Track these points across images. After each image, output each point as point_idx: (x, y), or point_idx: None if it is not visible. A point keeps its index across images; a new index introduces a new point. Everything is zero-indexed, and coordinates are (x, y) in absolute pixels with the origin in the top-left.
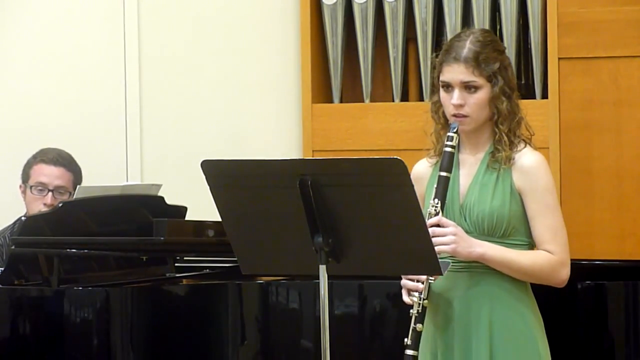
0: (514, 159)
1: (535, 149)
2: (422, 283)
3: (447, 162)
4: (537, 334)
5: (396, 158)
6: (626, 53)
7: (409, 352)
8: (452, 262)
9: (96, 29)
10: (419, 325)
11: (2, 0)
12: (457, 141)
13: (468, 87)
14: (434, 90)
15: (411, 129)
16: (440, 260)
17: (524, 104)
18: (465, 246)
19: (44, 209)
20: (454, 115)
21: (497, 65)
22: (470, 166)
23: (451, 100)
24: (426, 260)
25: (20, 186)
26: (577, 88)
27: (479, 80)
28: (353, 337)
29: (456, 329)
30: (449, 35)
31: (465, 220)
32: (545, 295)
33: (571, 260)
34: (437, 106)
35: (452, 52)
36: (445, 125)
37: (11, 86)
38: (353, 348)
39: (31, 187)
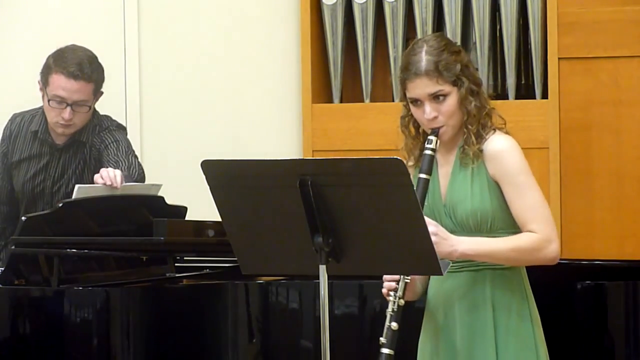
0: (482, 150)
1: (508, 133)
2: (398, 282)
3: (427, 165)
4: (535, 323)
5: (396, 158)
6: (626, 53)
7: (384, 350)
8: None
9: (96, 30)
10: (393, 324)
11: (2, 0)
12: (437, 144)
13: (436, 97)
14: (404, 105)
15: None
16: (440, 260)
17: (524, 104)
18: (447, 245)
19: (62, 121)
20: (431, 129)
21: (458, 67)
22: (446, 165)
23: (424, 115)
24: (426, 260)
25: (39, 82)
26: (577, 88)
27: (445, 88)
28: (353, 337)
29: (458, 323)
30: (449, 35)
31: (451, 219)
32: (545, 295)
33: (571, 260)
34: (407, 120)
35: (411, 68)
36: (417, 136)
37: (10, 87)
38: (353, 348)
39: (49, 99)
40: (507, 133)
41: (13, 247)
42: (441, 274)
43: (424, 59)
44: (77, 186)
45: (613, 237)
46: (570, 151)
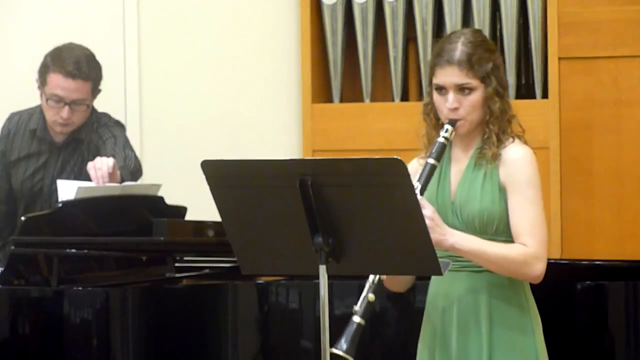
0: (500, 155)
1: (526, 144)
2: None
3: (437, 152)
4: (536, 335)
5: (396, 158)
6: (626, 53)
7: (356, 319)
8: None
9: (96, 30)
10: (370, 295)
11: (1, 0)
12: (451, 135)
13: (462, 89)
14: (428, 92)
15: (411, 129)
16: (440, 260)
17: (524, 104)
18: (439, 233)
19: (60, 120)
20: (449, 119)
21: (490, 65)
22: (461, 163)
23: (446, 103)
24: (426, 260)
25: (37, 81)
26: (577, 88)
27: (473, 82)
28: None
29: (455, 329)
30: None
31: (457, 218)
32: (545, 295)
33: (571, 260)
34: (429, 108)
35: (444, 55)
36: (437, 126)
37: (10, 87)
38: None
39: (47, 98)
40: (525, 143)
41: (13, 247)
42: (441, 274)
43: (459, 48)
44: (77, 186)
45: (613, 237)
46: (570, 151)
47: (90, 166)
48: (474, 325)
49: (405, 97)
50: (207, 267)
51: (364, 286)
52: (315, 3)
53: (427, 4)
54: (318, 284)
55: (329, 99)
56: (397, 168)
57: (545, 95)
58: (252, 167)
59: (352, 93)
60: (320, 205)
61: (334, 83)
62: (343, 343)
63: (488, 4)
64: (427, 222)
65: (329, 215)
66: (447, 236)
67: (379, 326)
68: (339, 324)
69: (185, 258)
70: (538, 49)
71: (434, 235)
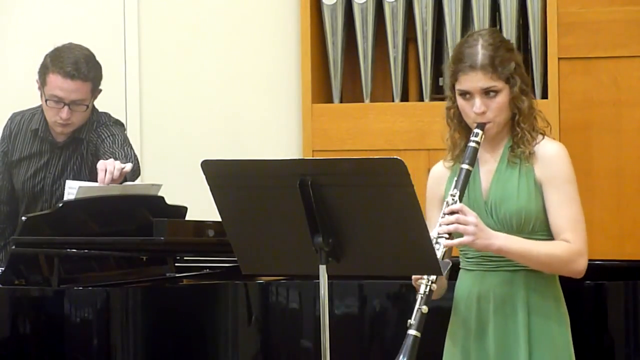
0: (534, 152)
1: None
2: None
3: (471, 157)
4: (568, 326)
5: (396, 158)
6: (626, 53)
7: (412, 332)
8: (481, 262)
9: (96, 30)
10: (424, 307)
11: (1, 0)
12: (482, 138)
13: (488, 92)
14: (450, 96)
15: (411, 129)
16: (440, 261)
17: None
18: (484, 238)
19: (60, 121)
20: (477, 123)
21: (512, 65)
22: (490, 163)
23: (473, 108)
24: (426, 260)
25: (37, 81)
26: (577, 88)
27: (498, 84)
28: (353, 337)
29: (492, 332)
30: (449, 35)
31: (492, 217)
32: None
33: None
34: (452, 112)
35: (466, 61)
36: (460, 129)
37: (10, 87)
38: (353, 348)
39: (46, 99)
40: (551, 137)
41: (13, 247)
42: (441, 275)
43: (480, 52)
44: (78, 186)
45: (613, 237)
46: (570, 151)
47: (102, 166)
48: (512, 316)
49: (405, 98)
50: (207, 267)
51: (364, 286)
52: (315, 3)
53: (427, 4)
54: (318, 284)
55: (329, 99)
56: (397, 168)
57: (545, 95)
58: (252, 167)
59: (352, 93)
60: (320, 205)
61: (334, 83)
62: (402, 357)
63: (488, 4)
64: (471, 228)
65: (328, 215)
66: (492, 240)
67: (379, 326)
68: (339, 324)
69: (186, 258)
70: (538, 49)
71: (480, 241)
